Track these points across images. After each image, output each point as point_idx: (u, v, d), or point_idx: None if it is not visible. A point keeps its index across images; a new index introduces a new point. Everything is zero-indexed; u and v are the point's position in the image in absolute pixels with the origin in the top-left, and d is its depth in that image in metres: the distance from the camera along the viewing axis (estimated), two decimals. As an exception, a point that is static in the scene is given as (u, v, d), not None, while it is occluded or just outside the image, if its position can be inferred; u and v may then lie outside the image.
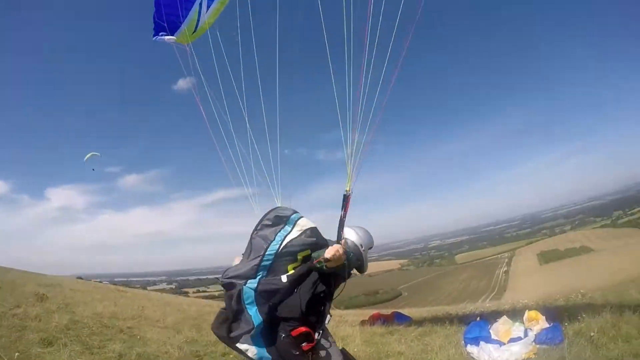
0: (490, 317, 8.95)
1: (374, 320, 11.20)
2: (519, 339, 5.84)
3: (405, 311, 13.90)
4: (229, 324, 3.08)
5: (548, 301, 11.96)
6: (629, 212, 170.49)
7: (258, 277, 3.12)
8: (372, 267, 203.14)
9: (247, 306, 3.01)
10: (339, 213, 3.74)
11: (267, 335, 3.07)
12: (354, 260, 3.50)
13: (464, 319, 9.53)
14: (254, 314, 2.99)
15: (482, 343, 5.87)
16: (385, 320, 11.24)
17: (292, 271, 3.19)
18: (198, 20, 5.63)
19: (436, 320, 11.09)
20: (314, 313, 3.27)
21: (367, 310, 23.68)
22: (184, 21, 5.60)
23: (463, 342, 6.36)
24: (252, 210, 4.07)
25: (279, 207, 3.52)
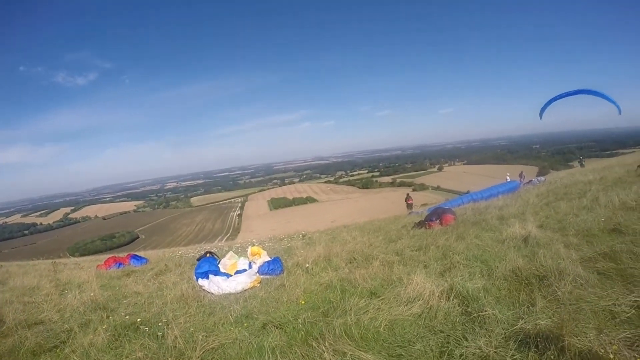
0: (220, 253, 10.07)
1: (109, 264, 10.94)
2: (244, 270, 6.90)
3: (142, 253, 13.60)
4: None
5: (274, 240, 14.38)
6: (350, 174, 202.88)
7: None
8: (107, 210, 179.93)
9: None
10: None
11: None
12: None
13: (196, 257, 10.33)
14: None
15: (211, 276, 6.54)
16: (121, 263, 11.04)
17: None
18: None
19: (171, 260, 11.50)
20: None
21: (105, 255, 21.38)
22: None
23: (195, 277, 6.93)
24: None
25: None
